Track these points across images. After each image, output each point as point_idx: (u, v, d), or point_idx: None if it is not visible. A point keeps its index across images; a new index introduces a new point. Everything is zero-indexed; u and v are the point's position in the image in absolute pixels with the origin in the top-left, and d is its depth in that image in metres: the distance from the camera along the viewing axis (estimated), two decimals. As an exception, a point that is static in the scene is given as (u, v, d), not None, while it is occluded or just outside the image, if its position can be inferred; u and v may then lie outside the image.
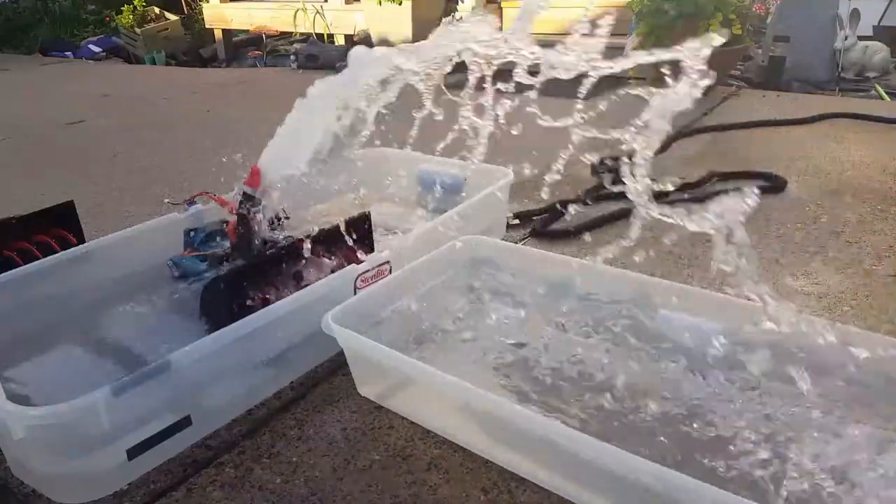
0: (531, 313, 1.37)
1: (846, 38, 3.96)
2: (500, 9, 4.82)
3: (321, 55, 4.88)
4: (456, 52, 1.13)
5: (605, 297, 1.36)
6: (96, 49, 6.66)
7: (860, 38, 4.09)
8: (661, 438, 1.04)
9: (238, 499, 1.01)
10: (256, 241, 1.39)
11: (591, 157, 1.35)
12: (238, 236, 1.39)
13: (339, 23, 5.53)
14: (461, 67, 1.17)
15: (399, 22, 4.45)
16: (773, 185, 2.13)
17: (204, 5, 6.58)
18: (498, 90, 1.15)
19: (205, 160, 2.75)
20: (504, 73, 1.12)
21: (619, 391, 1.14)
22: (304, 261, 1.38)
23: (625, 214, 1.95)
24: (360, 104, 1.23)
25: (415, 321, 1.34)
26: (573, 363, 1.21)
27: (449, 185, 1.92)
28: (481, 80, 1.14)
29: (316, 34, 5.64)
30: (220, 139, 3.07)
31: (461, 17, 4.60)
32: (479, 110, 1.19)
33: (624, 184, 1.02)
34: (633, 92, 1.00)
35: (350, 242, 1.45)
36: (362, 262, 1.35)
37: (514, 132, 1.24)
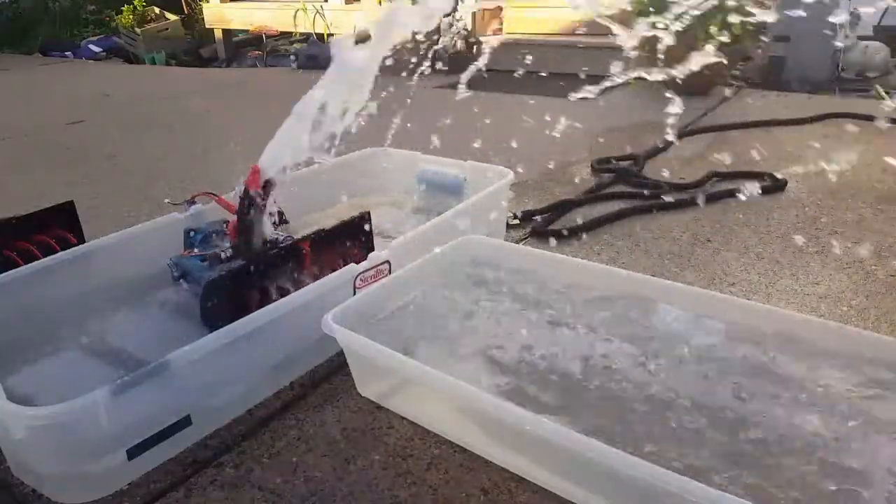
0: (531, 313, 1.37)
1: (846, 38, 3.96)
2: (500, 9, 4.82)
3: (321, 55, 4.88)
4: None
5: (605, 296, 1.36)
6: (96, 49, 6.67)
7: (860, 38, 4.09)
8: (662, 438, 1.04)
9: (238, 499, 1.01)
10: (257, 242, 1.39)
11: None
12: (238, 236, 1.39)
13: (339, 23, 5.53)
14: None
15: (399, 22, 4.45)
16: (773, 185, 2.13)
17: (204, 5, 6.58)
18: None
19: (205, 160, 2.75)
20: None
21: (619, 390, 1.14)
22: (303, 261, 1.38)
23: (624, 214, 1.95)
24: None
25: (414, 321, 1.34)
26: (573, 363, 1.21)
27: (449, 185, 1.92)
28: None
29: (316, 34, 5.64)
30: (220, 139, 3.07)
31: (461, 18, 4.60)
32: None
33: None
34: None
35: (350, 242, 1.45)
36: (362, 261, 1.35)
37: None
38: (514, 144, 2.69)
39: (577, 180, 2.28)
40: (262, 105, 3.76)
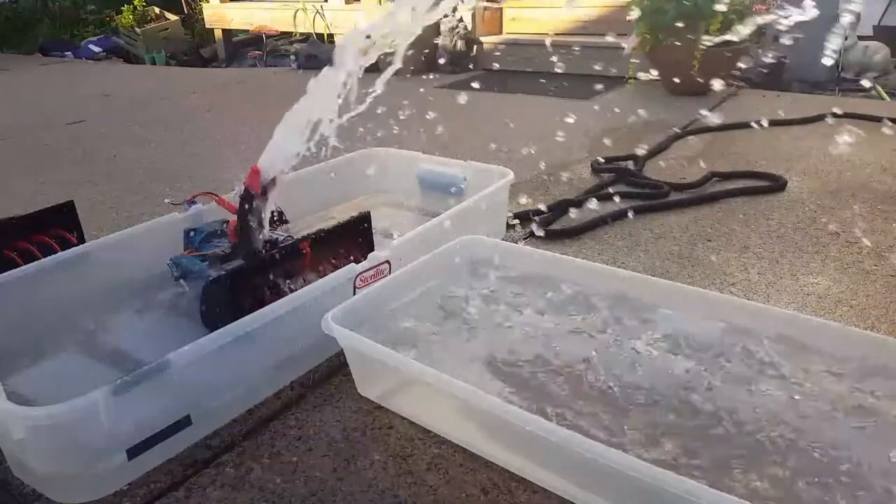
0: (530, 313, 1.37)
1: (846, 38, 3.96)
2: (500, 8, 4.82)
3: (321, 55, 4.88)
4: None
5: (605, 296, 1.36)
6: (96, 49, 6.66)
7: (860, 38, 4.09)
8: (662, 437, 1.04)
9: (238, 499, 1.01)
10: (257, 242, 1.39)
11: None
12: (238, 236, 1.39)
13: (339, 23, 5.53)
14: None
15: (399, 22, 4.45)
16: (773, 185, 2.13)
17: (204, 5, 6.58)
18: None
19: (205, 160, 2.75)
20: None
21: (619, 390, 1.14)
22: (303, 261, 1.38)
23: (624, 214, 1.95)
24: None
25: (414, 321, 1.34)
26: (573, 362, 1.21)
27: (449, 185, 1.92)
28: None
29: (316, 34, 5.64)
30: (220, 139, 3.07)
31: (461, 18, 4.60)
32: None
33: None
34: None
35: (350, 242, 1.45)
36: (362, 261, 1.35)
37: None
38: (513, 144, 2.69)
39: (576, 180, 2.29)
40: (263, 105, 3.76)
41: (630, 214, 1.90)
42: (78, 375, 1.28)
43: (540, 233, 1.74)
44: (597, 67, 3.96)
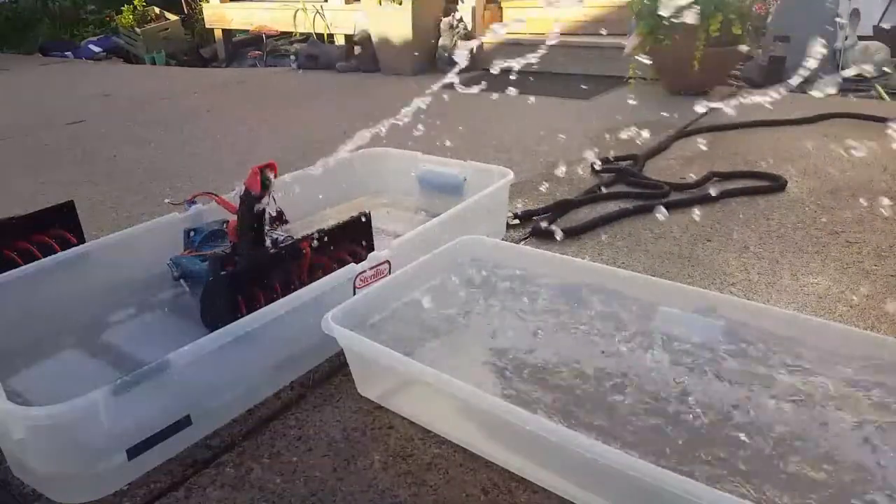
0: (531, 313, 1.37)
1: (846, 38, 3.96)
2: (500, 9, 4.82)
3: (321, 55, 4.89)
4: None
5: (605, 296, 1.36)
6: (96, 49, 6.67)
7: (860, 38, 4.09)
8: (662, 438, 1.04)
9: (238, 499, 1.01)
10: (257, 242, 1.39)
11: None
12: (238, 236, 1.39)
13: (339, 23, 5.53)
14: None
15: (399, 22, 4.45)
16: (773, 185, 2.13)
17: (204, 5, 6.58)
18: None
19: (205, 160, 2.75)
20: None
21: (619, 390, 1.14)
22: (303, 261, 1.38)
23: (624, 214, 1.95)
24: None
25: (414, 321, 1.34)
26: (573, 362, 1.21)
27: (449, 185, 1.92)
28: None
29: (316, 34, 5.64)
30: (219, 139, 3.07)
31: (461, 18, 4.60)
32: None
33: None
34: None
35: (350, 242, 1.45)
36: (362, 261, 1.35)
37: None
38: (514, 144, 2.69)
39: (576, 180, 2.28)
40: (262, 105, 3.76)
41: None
42: (78, 375, 1.28)
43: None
44: (597, 67, 3.96)
